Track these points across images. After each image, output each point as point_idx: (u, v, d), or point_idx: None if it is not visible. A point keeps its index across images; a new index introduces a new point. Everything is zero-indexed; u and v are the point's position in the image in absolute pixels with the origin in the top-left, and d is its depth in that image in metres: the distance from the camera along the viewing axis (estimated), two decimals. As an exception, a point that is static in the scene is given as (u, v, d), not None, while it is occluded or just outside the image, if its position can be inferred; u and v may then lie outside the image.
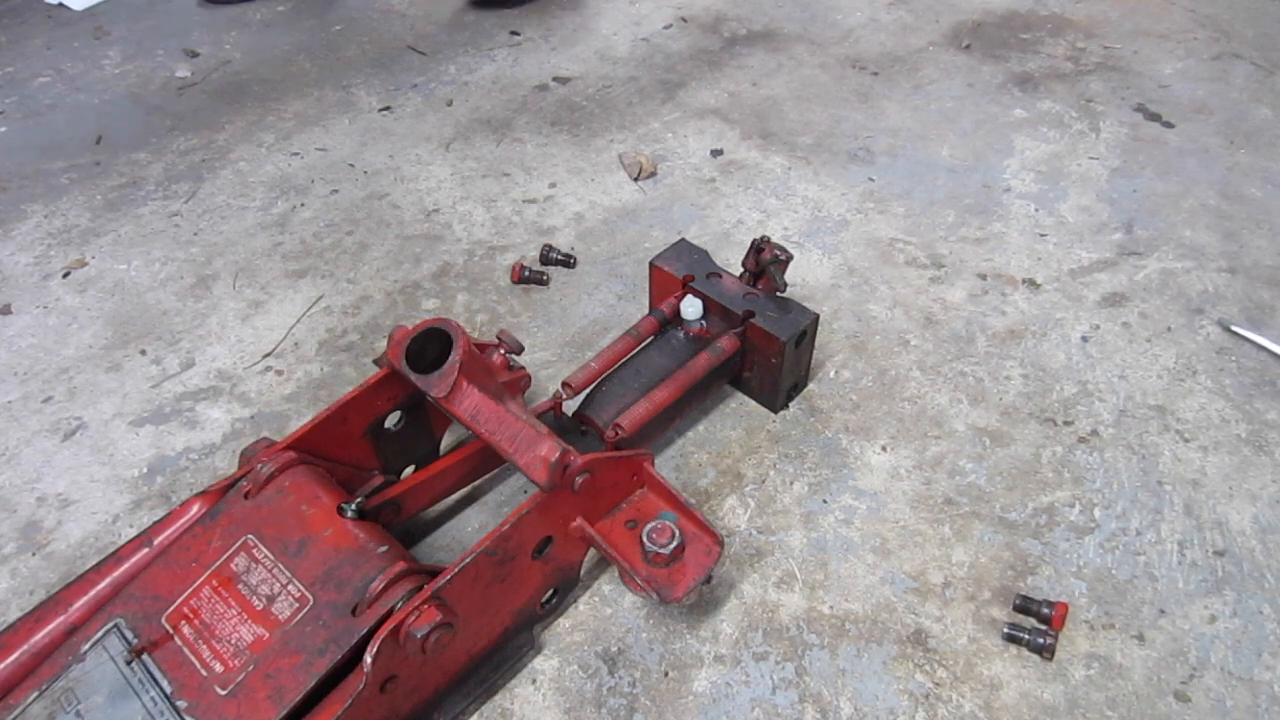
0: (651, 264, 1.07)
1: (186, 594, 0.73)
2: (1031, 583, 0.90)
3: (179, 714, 0.68)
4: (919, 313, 1.20)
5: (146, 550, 0.79)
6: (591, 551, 0.87)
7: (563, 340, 1.17)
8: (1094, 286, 1.24)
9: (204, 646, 0.70)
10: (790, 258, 1.02)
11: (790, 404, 1.08)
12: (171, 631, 0.72)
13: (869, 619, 0.88)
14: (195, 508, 0.81)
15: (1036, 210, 1.37)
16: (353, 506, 0.76)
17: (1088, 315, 1.19)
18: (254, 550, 0.75)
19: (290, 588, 0.72)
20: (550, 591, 0.85)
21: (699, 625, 0.88)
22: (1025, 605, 0.86)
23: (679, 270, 1.05)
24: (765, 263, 1.01)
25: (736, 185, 1.43)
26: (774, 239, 1.05)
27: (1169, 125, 1.55)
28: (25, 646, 0.73)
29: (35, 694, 0.70)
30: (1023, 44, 1.78)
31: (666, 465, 1.02)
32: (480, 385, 0.79)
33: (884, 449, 1.03)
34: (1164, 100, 1.61)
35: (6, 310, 1.25)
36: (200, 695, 0.68)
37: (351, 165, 1.50)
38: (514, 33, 1.86)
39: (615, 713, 0.81)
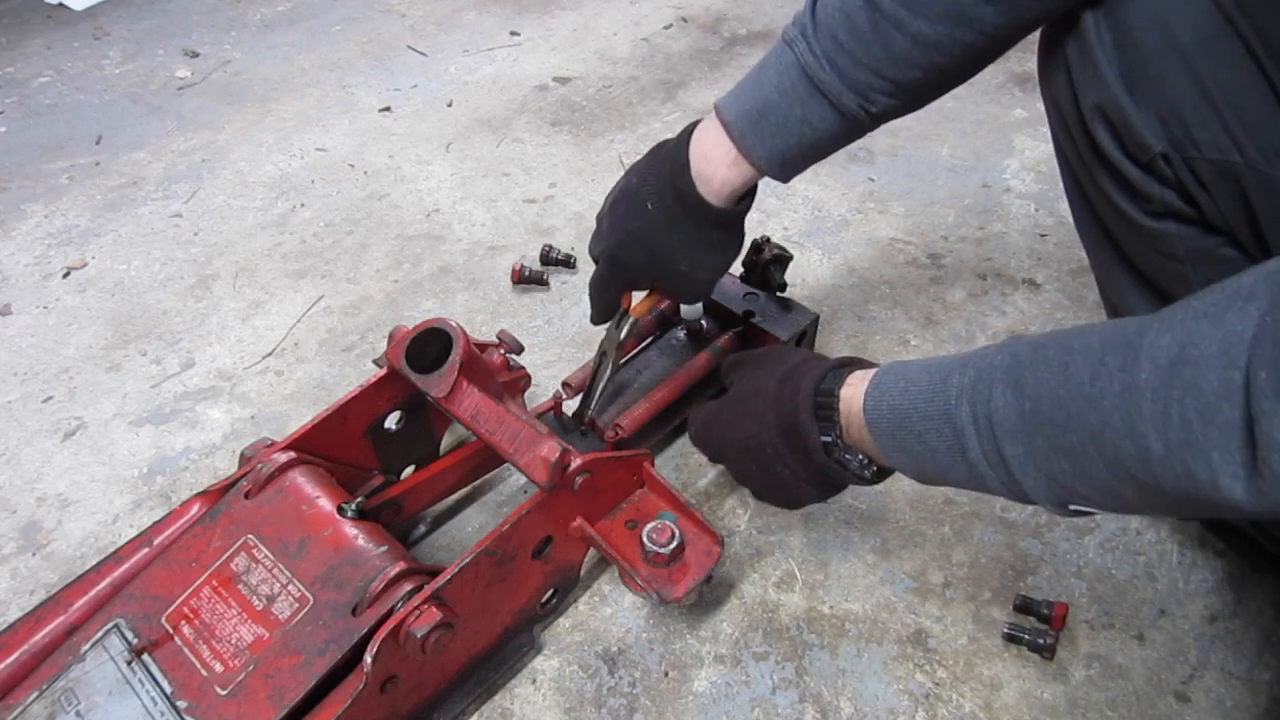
0: (651, 264, 1.07)
1: (186, 594, 0.73)
2: (1031, 583, 0.90)
3: (179, 714, 0.68)
4: (919, 313, 1.20)
5: (146, 550, 0.79)
6: (591, 551, 0.87)
7: (563, 340, 1.17)
8: (1094, 287, 1.23)
9: (204, 646, 0.70)
10: (790, 257, 1.02)
11: (790, 404, 1.08)
12: (171, 631, 0.72)
13: (869, 619, 0.88)
14: (195, 508, 0.81)
15: (1036, 210, 1.37)
16: (353, 506, 0.76)
17: (1087, 315, 1.19)
18: (254, 550, 0.75)
19: (290, 588, 0.72)
20: (550, 591, 0.85)
21: (699, 625, 0.88)
22: (1025, 605, 0.86)
23: (679, 270, 1.05)
24: (765, 262, 1.01)
25: (736, 185, 1.43)
26: (774, 239, 1.05)
27: (1169, 125, 1.54)
28: (25, 646, 0.73)
29: (35, 694, 0.70)
30: (1022, 44, 1.77)
31: (666, 465, 1.02)
32: (480, 385, 0.79)
33: (884, 449, 1.03)
34: (1164, 100, 1.60)
35: (6, 310, 1.25)
36: (200, 695, 0.68)
37: (351, 165, 1.50)
38: (514, 33, 1.86)
39: (615, 713, 0.81)
